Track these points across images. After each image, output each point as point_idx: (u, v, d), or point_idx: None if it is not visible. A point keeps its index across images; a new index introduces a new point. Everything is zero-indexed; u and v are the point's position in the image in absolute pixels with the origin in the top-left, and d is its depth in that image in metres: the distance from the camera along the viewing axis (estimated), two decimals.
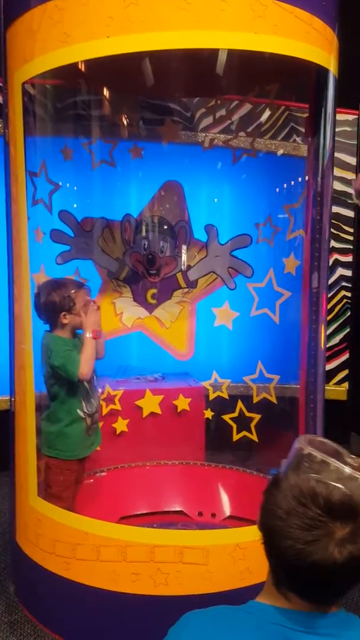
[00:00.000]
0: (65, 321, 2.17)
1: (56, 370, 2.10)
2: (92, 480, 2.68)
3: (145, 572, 1.82)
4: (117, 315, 2.91)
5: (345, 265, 3.63)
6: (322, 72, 1.98)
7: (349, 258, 3.62)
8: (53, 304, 2.16)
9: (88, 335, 2.16)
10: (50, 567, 1.95)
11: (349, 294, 3.65)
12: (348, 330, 3.66)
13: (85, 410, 2.21)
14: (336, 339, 3.64)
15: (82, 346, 2.14)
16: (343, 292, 3.64)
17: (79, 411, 2.19)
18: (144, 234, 2.91)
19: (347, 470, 0.86)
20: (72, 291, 2.19)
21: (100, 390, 2.43)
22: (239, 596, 1.74)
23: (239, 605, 0.92)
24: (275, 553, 0.87)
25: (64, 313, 2.16)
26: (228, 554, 1.80)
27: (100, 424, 2.66)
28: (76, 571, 1.89)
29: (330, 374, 3.57)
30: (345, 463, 0.87)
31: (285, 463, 0.92)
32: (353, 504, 0.83)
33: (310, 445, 0.90)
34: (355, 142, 3.53)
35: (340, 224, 3.56)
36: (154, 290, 2.93)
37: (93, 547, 1.85)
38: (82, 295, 2.20)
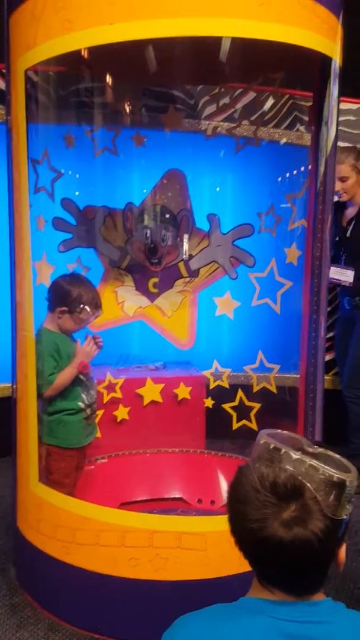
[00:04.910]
0: (59, 315, 2.18)
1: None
2: (93, 467, 2.70)
3: (144, 557, 1.84)
4: (118, 304, 2.91)
5: None
6: (326, 60, 1.96)
7: None
8: (65, 292, 2.17)
9: (74, 365, 2.16)
10: (51, 551, 1.98)
11: None
12: None
13: (86, 402, 2.24)
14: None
15: (63, 370, 2.15)
16: None
17: (79, 402, 2.21)
18: (146, 222, 2.91)
19: (295, 454, 0.90)
20: (88, 306, 2.18)
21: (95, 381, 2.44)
22: (237, 582, 1.77)
23: (232, 603, 0.95)
24: (237, 538, 0.93)
25: (64, 308, 2.16)
26: (226, 540, 1.81)
27: (101, 412, 2.69)
28: (76, 555, 1.92)
29: (330, 365, 3.57)
30: (305, 452, 0.92)
31: (249, 458, 0.97)
32: (297, 483, 0.87)
33: (271, 437, 0.94)
34: (359, 132, 3.51)
35: None
36: (155, 279, 2.93)
37: (93, 532, 1.88)
38: (88, 316, 2.20)
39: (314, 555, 0.87)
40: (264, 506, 0.87)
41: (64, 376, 2.15)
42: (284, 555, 0.86)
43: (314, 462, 0.89)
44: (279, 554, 0.86)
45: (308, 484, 0.87)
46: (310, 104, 2.33)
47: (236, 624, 0.90)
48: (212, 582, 1.85)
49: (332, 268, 3.24)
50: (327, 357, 3.37)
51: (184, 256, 2.94)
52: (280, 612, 0.89)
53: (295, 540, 0.85)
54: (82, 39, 1.71)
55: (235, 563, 1.81)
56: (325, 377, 2.59)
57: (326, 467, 0.89)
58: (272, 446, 0.91)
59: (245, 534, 0.90)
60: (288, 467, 0.88)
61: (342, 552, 0.94)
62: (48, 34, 1.74)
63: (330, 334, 3.46)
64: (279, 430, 0.98)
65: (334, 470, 0.88)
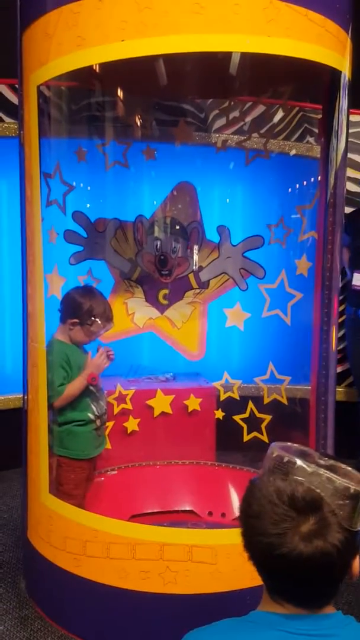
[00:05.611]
0: (70, 327, 2.19)
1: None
2: (103, 479, 2.70)
3: (154, 570, 1.83)
4: (129, 315, 2.93)
5: None
6: (336, 73, 1.98)
7: None
8: (77, 304, 2.18)
9: (84, 376, 2.17)
10: (61, 563, 1.98)
11: None
12: None
13: (96, 413, 2.24)
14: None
15: (73, 381, 2.16)
16: None
17: (88, 413, 2.22)
18: (156, 234, 2.93)
19: (310, 467, 0.89)
20: (100, 318, 2.20)
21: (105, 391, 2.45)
22: (249, 595, 1.76)
23: (242, 617, 0.94)
24: (252, 554, 0.91)
25: (75, 320, 2.18)
26: (237, 553, 1.79)
27: (111, 424, 2.69)
28: (86, 568, 1.91)
29: (342, 376, 3.55)
30: (318, 464, 0.91)
31: (260, 471, 0.96)
32: (315, 496, 0.86)
33: (282, 450, 0.93)
34: None
35: None
36: (165, 291, 2.95)
37: (103, 545, 1.87)
38: (99, 328, 2.21)
39: (331, 568, 0.86)
40: (282, 520, 0.86)
41: (74, 387, 2.16)
42: (302, 569, 0.86)
43: (329, 474, 0.89)
44: (297, 567, 0.86)
45: (325, 497, 0.87)
46: (319, 116, 2.35)
47: (247, 638, 0.89)
48: (223, 596, 1.83)
49: (355, 274, 3.24)
50: (340, 369, 3.36)
51: (194, 267, 2.95)
52: (291, 626, 0.88)
53: (315, 554, 0.85)
54: (94, 55, 1.74)
55: (247, 576, 1.79)
56: (337, 389, 2.57)
57: (341, 478, 0.88)
58: (285, 459, 0.91)
59: (262, 549, 0.89)
60: (304, 480, 0.88)
61: (356, 563, 0.93)
62: (60, 50, 1.78)
63: (343, 345, 3.44)
64: (289, 443, 0.97)
65: (349, 482, 0.88)
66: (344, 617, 0.92)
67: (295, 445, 0.97)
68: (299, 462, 0.90)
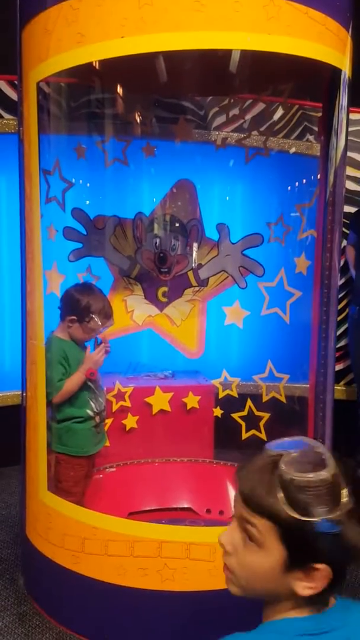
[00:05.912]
0: (69, 324, 2.19)
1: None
2: (101, 476, 2.70)
3: (152, 567, 1.84)
4: (128, 312, 2.93)
5: None
6: (336, 71, 1.97)
7: None
8: (75, 301, 2.18)
9: (82, 371, 2.17)
10: (59, 560, 1.98)
11: None
12: None
13: (94, 409, 2.24)
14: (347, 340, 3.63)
15: (72, 376, 2.17)
16: None
17: (87, 410, 2.22)
18: (155, 231, 2.93)
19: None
20: (98, 315, 2.20)
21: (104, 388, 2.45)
22: None
23: (251, 631, 0.88)
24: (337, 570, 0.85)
25: (73, 317, 2.18)
26: None
27: (110, 421, 2.69)
28: (84, 565, 1.92)
29: (341, 374, 3.56)
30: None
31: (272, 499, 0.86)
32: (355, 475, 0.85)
33: (291, 464, 0.87)
34: None
35: None
36: (165, 289, 2.94)
37: (101, 542, 1.87)
38: (97, 325, 2.21)
39: None
40: None
41: (72, 382, 2.16)
42: None
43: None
44: None
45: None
46: (319, 114, 2.34)
47: None
48: (220, 593, 1.83)
49: None
50: (338, 367, 3.36)
51: (194, 265, 2.95)
52: (316, 628, 0.85)
53: None
54: (94, 51, 1.73)
55: None
56: (335, 387, 2.58)
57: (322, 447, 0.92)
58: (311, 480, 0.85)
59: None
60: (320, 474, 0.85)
61: None
62: (60, 46, 1.77)
63: (342, 343, 3.45)
64: (281, 440, 0.94)
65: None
66: (345, 602, 0.91)
67: (286, 439, 0.94)
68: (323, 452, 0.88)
